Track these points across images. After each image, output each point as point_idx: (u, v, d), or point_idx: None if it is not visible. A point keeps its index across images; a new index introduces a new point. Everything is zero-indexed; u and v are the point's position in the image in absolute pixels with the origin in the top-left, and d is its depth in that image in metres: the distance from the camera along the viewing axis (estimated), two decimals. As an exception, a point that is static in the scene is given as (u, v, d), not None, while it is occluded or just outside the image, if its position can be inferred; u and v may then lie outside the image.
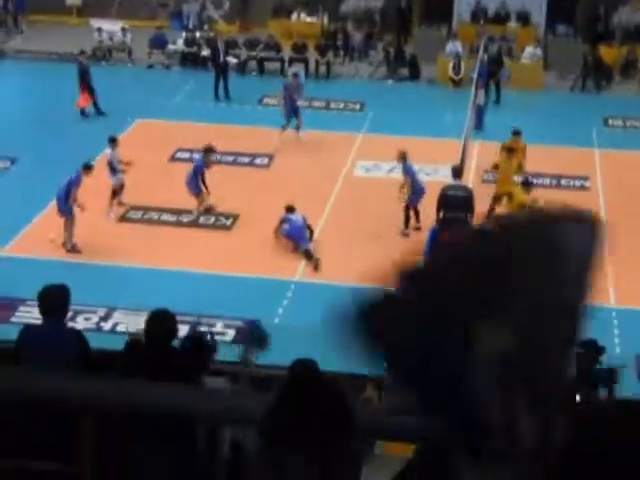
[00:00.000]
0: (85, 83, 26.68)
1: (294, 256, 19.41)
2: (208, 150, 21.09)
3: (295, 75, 25.78)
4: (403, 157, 20.46)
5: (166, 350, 7.23)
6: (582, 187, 22.73)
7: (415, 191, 20.26)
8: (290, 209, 19.62)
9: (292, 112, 24.63)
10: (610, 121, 27.55)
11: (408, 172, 20.42)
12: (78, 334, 8.29)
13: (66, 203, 18.92)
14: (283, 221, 19.53)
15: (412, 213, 20.38)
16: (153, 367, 6.33)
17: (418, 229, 19.94)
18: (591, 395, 9.37)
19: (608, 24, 33.53)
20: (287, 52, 32.08)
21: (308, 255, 19.21)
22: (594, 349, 9.66)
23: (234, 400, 2.99)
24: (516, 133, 21.62)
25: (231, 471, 4.87)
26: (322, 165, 23.50)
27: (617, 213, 20.43)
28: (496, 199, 19.63)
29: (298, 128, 24.64)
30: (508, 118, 27.00)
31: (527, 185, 19.33)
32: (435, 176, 22.16)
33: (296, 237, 19.43)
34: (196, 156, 21.84)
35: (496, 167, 20.44)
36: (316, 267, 19.04)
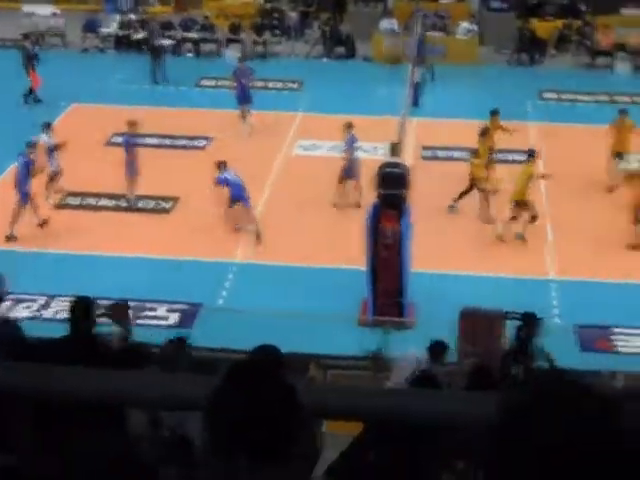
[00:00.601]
0: (32, 67, 26.41)
1: (235, 237, 19.38)
2: (131, 124, 20.87)
3: (243, 60, 25.63)
4: (349, 126, 20.66)
5: (88, 336, 7.21)
6: (514, 161, 22.85)
7: (352, 165, 20.45)
8: (221, 165, 19.58)
9: (243, 97, 24.49)
10: (545, 94, 27.79)
11: (350, 144, 20.60)
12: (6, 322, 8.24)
13: (25, 186, 18.83)
14: (220, 182, 19.46)
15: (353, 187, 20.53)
16: (76, 354, 6.30)
17: (358, 206, 20.00)
18: (531, 365, 9.50)
19: (541, -2, 33.76)
20: (223, 33, 31.92)
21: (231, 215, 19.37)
22: (532, 321, 9.79)
23: (173, 384, 2.98)
24: (494, 113, 21.55)
25: (176, 457, 4.87)
26: (261, 145, 23.45)
27: (553, 186, 20.66)
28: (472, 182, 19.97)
29: (245, 115, 24.51)
30: (444, 94, 27.18)
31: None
32: (374, 154, 22.20)
33: (238, 197, 19.38)
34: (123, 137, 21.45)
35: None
36: (258, 237, 19.09)
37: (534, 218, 19.25)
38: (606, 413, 1.94)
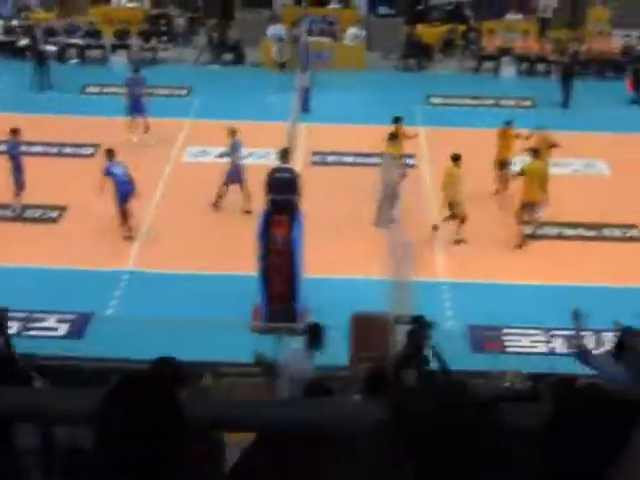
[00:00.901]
0: None
1: (125, 245, 19.14)
2: (14, 132, 20.44)
3: (136, 70, 25.11)
4: (233, 132, 20.60)
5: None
6: (408, 165, 23.11)
7: (235, 170, 20.44)
8: (109, 153, 19.41)
9: (135, 107, 24.09)
10: (432, 99, 28.12)
11: (234, 150, 20.58)
12: None
13: None
14: (106, 171, 19.31)
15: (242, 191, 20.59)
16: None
17: (248, 212, 19.97)
18: (423, 369, 9.57)
19: (427, 4, 34.16)
20: (109, 39, 31.55)
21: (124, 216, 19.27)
22: (423, 324, 9.85)
23: (59, 398, 2.90)
24: (397, 120, 21.55)
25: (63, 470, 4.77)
26: (150, 151, 23.23)
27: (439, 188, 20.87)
28: None
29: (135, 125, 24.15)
30: (333, 99, 27.29)
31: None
32: (266, 159, 22.18)
33: (124, 195, 19.26)
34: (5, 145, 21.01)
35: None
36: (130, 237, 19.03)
37: (463, 220, 19.56)
38: (480, 415, 1.95)
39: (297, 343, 12.32)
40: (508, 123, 21.45)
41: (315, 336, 11.96)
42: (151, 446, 2.28)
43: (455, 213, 19.63)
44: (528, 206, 19.52)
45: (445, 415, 1.89)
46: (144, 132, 23.86)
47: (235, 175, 20.68)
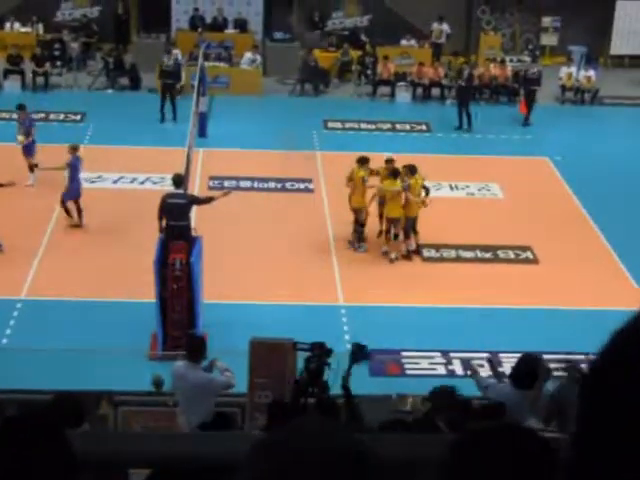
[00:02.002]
0: None
1: (19, 272, 18.78)
2: None
3: (21, 107, 24.11)
4: (73, 149, 20.69)
5: None
6: (307, 189, 23.21)
7: (71, 188, 20.42)
8: (74, 149, 20.26)
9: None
10: (330, 124, 28.28)
11: (73, 166, 20.46)
12: None
13: None
14: (71, 165, 19.50)
15: (72, 207, 20.71)
16: None
17: (78, 226, 20.09)
18: (325, 395, 9.54)
19: (324, 29, 34.40)
20: (1, 64, 31.02)
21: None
22: (322, 351, 9.82)
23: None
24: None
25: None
26: (44, 178, 22.82)
27: (340, 214, 20.96)
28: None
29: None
30: (231, 124, 27.27)
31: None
32: (162, 185, 22.02)
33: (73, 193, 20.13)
34: None
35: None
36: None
37: (397, 236, 19.89)
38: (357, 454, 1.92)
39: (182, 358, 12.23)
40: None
41: (195, 348, 11.87)
42: None
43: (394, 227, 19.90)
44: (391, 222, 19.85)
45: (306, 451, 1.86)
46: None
47: (75, 191, 20.58)
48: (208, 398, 11.53)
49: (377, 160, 20.86)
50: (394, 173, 19.79)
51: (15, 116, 24.35)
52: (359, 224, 20.16)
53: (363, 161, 20.14)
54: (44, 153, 23.29)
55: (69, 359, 15.13)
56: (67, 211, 20.78)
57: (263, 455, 1.88)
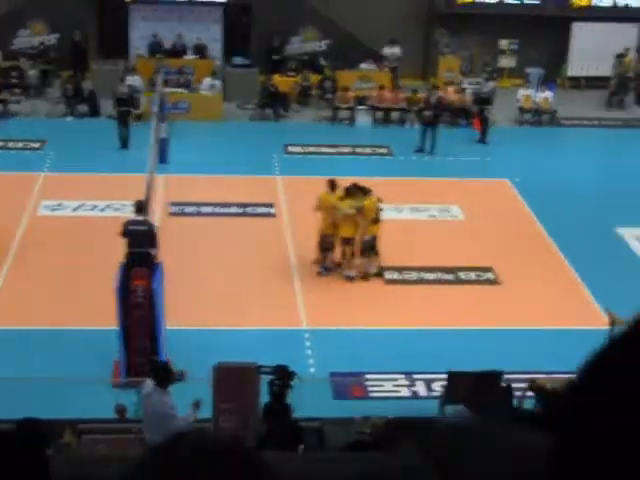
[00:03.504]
0: None
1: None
2: None
3: None
4: None
5: None
6: (268, 214, 23.21)
7: None
8: None
9: None
10: (290, 148, 28.34)
11: None
12: None
13: None
14: None
15: None
16: None
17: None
18: (288, 417, 9.55)
19: (282, 54, 34.52)
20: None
21: None
22: (285, 374, 9.83)
23: None
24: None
25: None
26: (3, 208, 22.68)
27: (302, 238, 20.98)
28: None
29: None
30: (191, 150, 27.26)
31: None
32: (123, 212, 21.95)
33: None
34: None
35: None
36: None
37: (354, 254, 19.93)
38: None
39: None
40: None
41: (162, 375, 11.82)
42: None
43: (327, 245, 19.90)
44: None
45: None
46: None
47: None
48: (167, 424, 11.46)
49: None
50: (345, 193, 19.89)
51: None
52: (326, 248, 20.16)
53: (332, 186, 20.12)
54: (3, 180, 23.23)
55: (31, 388, 15.00)
56: None
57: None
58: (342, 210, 19.61)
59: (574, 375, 1.38)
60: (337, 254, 20.31)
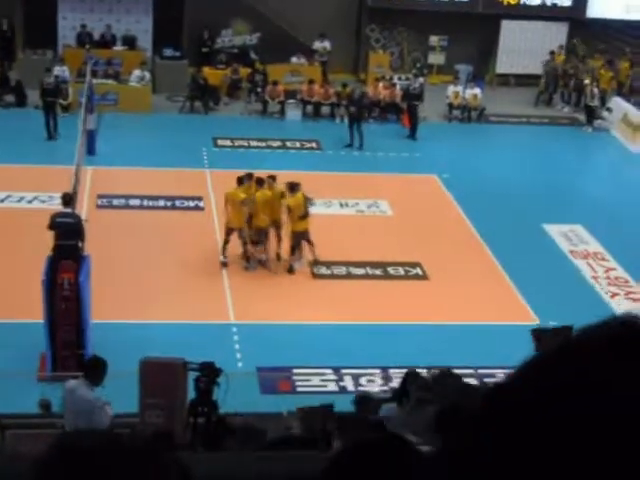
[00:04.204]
0: None
1: None
2: None
3: None
4: None
5: None
6: (197, 207, 23.13)
7: None
8: None
9: None
10: (219, 141, 28.23)
11: None
12: None
13: None
14: None
15: None
16: None
17: None
18: (214, 413, 9.53)
19: (213, 47, 34.36)
20: None
21: None
22: (211, 371, 9.82)
23: None
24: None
25: None
26: None
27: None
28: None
29: None
30: (119, 142, 27.02)
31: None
32: (50, 203, 21.72)
33: None
34: None
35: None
36: None
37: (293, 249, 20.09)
38: None
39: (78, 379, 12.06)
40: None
41: (94, 370, 11.69)
42: None
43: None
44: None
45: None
46: None
47: None
48: (90, 419, 11.32)
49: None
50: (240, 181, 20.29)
51: None
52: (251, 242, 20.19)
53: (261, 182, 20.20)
54: None
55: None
56: None
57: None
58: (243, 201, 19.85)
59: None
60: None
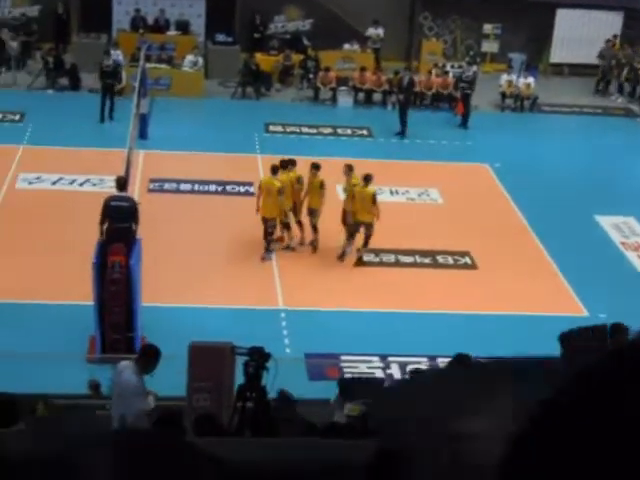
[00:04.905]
0: None
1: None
2: None
3: None
4: None
5: None
6: (247, 193, 23.18)
7: None
8: None
9: None
10: (271, 127, 28.27)
11: None
12: None
13: None
14: None
15: None
16: None
17: None
18: (264, 399, 9.57)
19: (265, 32, 34.39)
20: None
21: None
22: (260, 356, 9.85)
23: None
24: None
25: None
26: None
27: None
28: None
29: None
30: (171, 126, 27.15)
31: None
32: (101, 187, 21.93)
33: None
34: None
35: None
36: None
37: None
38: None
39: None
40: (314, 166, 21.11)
41: (147, 358, 11.73)
42: None
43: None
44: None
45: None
46: None
47: None
48: (133, 403, 11.35)
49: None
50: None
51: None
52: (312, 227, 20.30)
53: (317, 167, 20.23)
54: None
55: (6, 362, 14.95)
56: None
57: None
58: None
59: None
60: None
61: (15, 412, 8.13)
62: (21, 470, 1.79)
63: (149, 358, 11.60)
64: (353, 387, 11.19)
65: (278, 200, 19.69)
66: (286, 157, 20.81)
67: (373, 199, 19.74)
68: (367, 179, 19.88)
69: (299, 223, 20.47)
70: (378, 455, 1.36)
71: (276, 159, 22.94)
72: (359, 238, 20.10)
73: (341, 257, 20.14)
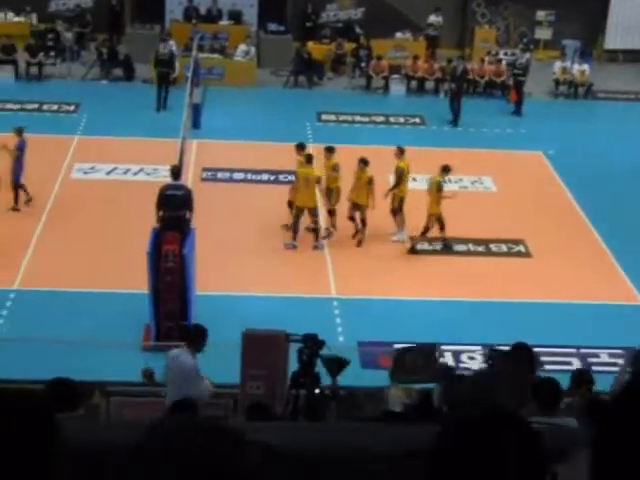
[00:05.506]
0: None
1: (11, 263, 18.75)
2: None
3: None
4: (20, 132, 20.78)
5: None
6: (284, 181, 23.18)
7: (17, 169, 20.57)
8: (20, 131, 20.76)
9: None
10: (323, 116, 28.27)
11: (20, 148, 20.53)
12: None
13: None
14: (19, 149, 20.27)
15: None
16: None
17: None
18: (316, 385, 9.59)
19: (317, 21, 34.38)
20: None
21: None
22: (314, 343, 9.86)
23: None
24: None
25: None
26: (37, 170, 22.76)
27: (338, 206, 20.98)
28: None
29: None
30: (224, 116, 27.25)
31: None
32: (155, 176, 22.09)
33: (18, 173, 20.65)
34: None
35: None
36: None
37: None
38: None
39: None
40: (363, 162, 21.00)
41: (195, 337, 11.78)
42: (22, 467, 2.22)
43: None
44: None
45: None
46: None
47: (19, 173, 20.64)
48: (189, 387, 11.41)
49: (371, 153, 20.89)
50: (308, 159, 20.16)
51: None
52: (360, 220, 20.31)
53: (366, 162, 20.20)
54: (38, 142, 23.21)
55: (62, 350, 15.13)
56: (17, 194, 20.72)
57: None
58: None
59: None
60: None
61: (77, 398, 8.23)
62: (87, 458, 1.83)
63: (197, 337, 11.68)
64: (405, 356, 11.13)
65: (315, 189, 19.74)
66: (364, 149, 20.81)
67: (370, 181, 19.95)
68: (364, 162, 19.95)
69: (329, 212, 20.42)
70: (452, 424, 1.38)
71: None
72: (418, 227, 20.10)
73: (412, 250, 20.04)
